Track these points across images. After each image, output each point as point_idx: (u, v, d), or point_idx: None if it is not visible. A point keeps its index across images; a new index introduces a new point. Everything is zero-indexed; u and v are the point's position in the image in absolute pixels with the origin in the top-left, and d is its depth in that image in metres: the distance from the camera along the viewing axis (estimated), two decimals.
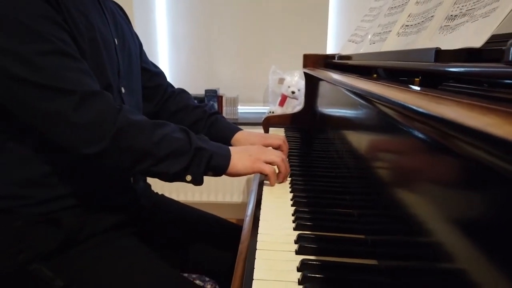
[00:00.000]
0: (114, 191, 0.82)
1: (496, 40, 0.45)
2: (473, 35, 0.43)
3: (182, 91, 1.09)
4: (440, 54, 0.45)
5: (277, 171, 0.83)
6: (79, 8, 0.72)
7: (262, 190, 0.80)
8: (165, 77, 1.09)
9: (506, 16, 0.37)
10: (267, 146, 0.97)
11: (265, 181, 0.83)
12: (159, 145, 0.70)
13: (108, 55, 0.79)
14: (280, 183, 0.83)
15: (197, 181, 0.74)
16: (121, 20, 0.91)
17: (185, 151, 0.72)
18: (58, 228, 0.73)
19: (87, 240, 0.76)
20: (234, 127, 1.02)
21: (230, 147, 0.79)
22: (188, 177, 0.73)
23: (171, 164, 0.71)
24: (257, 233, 0.61)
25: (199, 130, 1.00)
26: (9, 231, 0.73)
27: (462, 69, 0.36)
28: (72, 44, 0.69)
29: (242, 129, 1.02)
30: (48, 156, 0.74)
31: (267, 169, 0.79)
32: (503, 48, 0.32)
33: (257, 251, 0.55)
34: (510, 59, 0.30)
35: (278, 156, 0.82)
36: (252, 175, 0.91)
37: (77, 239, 0.75)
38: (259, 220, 0.66)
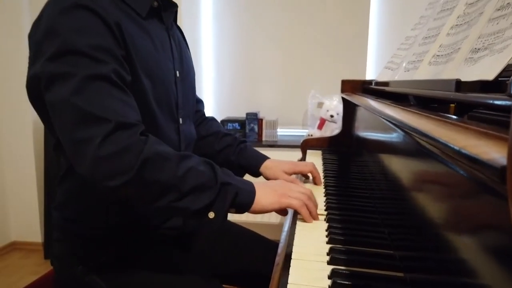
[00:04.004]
0: (165, 217, 0.88)
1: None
2: (489, 68, 0.48)
3: (212, 119, 1.14)
4: (461, 85, 0.50)
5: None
6: (143, 46, 0.77)
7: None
8: (203, 104, 1.16)
9: None
10: (297, 173, 1.01)
11: (299, 217, 0.78)
12: (184, 179, 0.67)
13: (167, 89, 0.84)
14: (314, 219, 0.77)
15: (220, 218, 0.69)
16: (186, 49, 0.97)
17: (211, 186, 0.69)
18: (112, 246, 0.82)
19: (138, 255, 0.83)
20: (262, 155, 1.05)
21: (254, 182, 0.76)
22: (211, 214, 0.69)
23: (194, 199, 0.67)
24: (293, 246, 0.66)
25: (228, 156, 1.04)
26: (69, 246, 0.83)
27: (473, 99, 0.41)
28: (125, 77, 0.71)
29: (269, 158, 1.04)
30: None
31: (295, 203, 0.74)
32: (507, 82, 0.37)
33: (292, 260, 0.61)
34: (511, 92, 0.35)
35: (304, 193, 0.77)
36: None
37: (128, 255, 0.82)
38: (294, 234, 0.71)
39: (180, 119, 0.89)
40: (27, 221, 2.32)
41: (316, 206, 0.78)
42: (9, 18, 2.15)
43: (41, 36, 0.68)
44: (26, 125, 2.23)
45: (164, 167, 0.66)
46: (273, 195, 0.74)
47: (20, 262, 2.21)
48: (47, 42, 0.67)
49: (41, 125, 2.23)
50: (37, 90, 0.70)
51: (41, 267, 2.14)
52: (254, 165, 1.02)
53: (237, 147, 1.05)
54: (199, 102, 1.13)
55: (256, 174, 1.03)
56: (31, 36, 0.73)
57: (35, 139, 2.25)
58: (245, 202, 0.72)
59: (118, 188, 0.64)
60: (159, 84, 0.80)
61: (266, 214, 2.54)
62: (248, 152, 1.04)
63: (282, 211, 0.78)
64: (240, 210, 0.73)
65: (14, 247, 2.35)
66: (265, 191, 0.74)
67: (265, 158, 1.04)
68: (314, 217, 0.77)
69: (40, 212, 2.30)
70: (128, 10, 0.77)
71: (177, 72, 0.88)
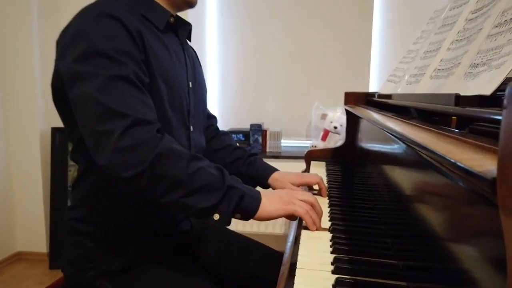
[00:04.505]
0: (173, 221, 0.92)
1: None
2: (487, 84, 0.49)
3: (225, 133, 1.19)
4: (460, 99, 0.52)
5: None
6: (160, 53, 0.84)
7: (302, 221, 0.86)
8: (216, 120, 1.21)
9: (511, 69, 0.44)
10: (304, 184, 1.03)
11: (303, 226, 0.79)
12: (193, 177, 0.71)
13: (180, 96, 0.89)
14: (317, 228, 0.78)
15: (225, 221, 0.73)
16: (199, 66, 1.04)
17: (218, 188, 0.72)
18: (123, 251, 0.84)
19: (147, 262, 0.85)
20: (271, 167, 1.08)
21: (260, 191, 0.79)
22: (216, 216, 0.72)
23: (201, 198, 0.71)
24: (298, 255, 0.68)
25: (238, 168, 1.07)
26: (82, 250, 0.85)
27: (471, 114, 0.42)
28: (143, 79, 0.77)
29: (278, 170, 1.07)
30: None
31: (300, 209, 0.76)
32: (503, 97, 0.38)
33: (297, 269, 0.62)
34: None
35: (308, 200, 0.78)
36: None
37: (139, 261, 0.84)
38: (299, 244, 0.73)
39: (191, 127, 0.94)
40: (32, 232, 2.34)
41: (321, 213, 0.80)
42: (19, 31, 2.19)
43: (68, 39, 0.75)
44: (33, 136, 2.26)
45: (175, 163, 0.71)
46: (278, 201, 0.77)
47: (26, 273, 2.22)
48: (74, 44, 0.74)
49: (48, 136, 2.27)
50: (61, 89, 0.77)
51: (46, 277, 2.15)
52: (263, 177, 1.05)
53: (247, 159, 1.09)
54: (212, 118, 1.19)
55: (265, 185, 1.06)
56: (59, 41, 0.80)
57: (42, 149, 2.28)
58: (250, 207, 0.75)
59: (132, 179, 0.69)
60: (173, 89, 0.86)
61: (270, 225, 2.53)
62: (258, 165, 1.08)
63: (291, 216, 0.79)
64: (246, 216, 0.75)
65: (19, 257, 2.36)
66: (270, 198, 0.77)
67: (274, 170, 1.07)
68: (318, 224, 0.78)
69: (46, 222, 2.32)
70: (147, 24, 0.85)
71: (190, 83, 0.94)
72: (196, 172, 0.71)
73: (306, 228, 0.79)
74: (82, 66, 0.72)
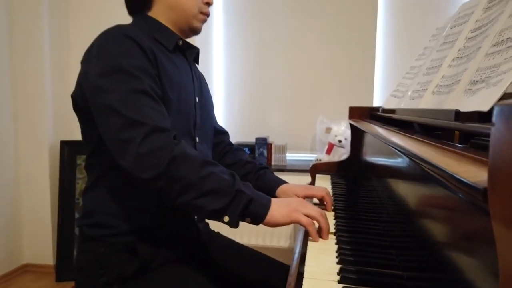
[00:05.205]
0: (182, 226, 0.96)
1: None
2: (485, 100, 0.52)
3: (239, 149, 1.25)
4: (460, 115, 0.55)
5: (316, 225, 0.81)
6: (170, 69, 0.92)
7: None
8: (229, 136, 1.26)
9: (507, 86, 0.47)
10: (310, 196, 1.06)
11: (309, 237, 0.81)
12: (204, 180, 0.77)
13: (188, 108, 0.96)
14: (323, 238, 0.80)
15: (233, 224, 0.78)
16: (206, 85, 1.12)
17: (227, 192, 0.77)
18: (135, 256, 0.87)
19: (158, 268, 0.88)
20: (280, 180, 1.13)
21: (271, 198, 0.83)
22: (226, 218, 0.77)
23: (212, 200, 0.76)
24: (304, 266, 0.69)
25: (249, 180, 1.08)
26: (94, 256, 0.88)
27: (470, 129, 0.45)
28: (158, 91, 0.86)
29: (287, 182, 1.11)
30: (133, 190, 0.89)
31: (304, 220, 0.79)
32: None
33: (304, 279, 0.64)
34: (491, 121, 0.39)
35: (317, 211, 0.81)
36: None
37: (150, 267, 0.87)
38: (306, 255, 0.75)
39: (197, 138, 0.99)
40: (39, 244, 2.36)
41: (328, 226, 0.81)
42: (31, 47, 2.26)
43: (92, 57, 0.85)
44: (42, 148, 2.30)
45: (188, 167, 0.77)
46: (286, 209, 0.81)
47: (32, 285, 2.23)
48: (97, 61, 0.83)
49: (57, 149, 2.31)
50: (83, 100, 0.86)
51: None
52: (271, 189, 1.09)
53: (257, 173, 1.13)
54: (224, 134, 1.24)
55: (274, 197, 1.08)
56: (83, 60, 0.88)
57: (50, 162, 2.32)
58: (259, 212, 0.79)
59: (150, 181, 0.76)
60: (181, 101, 0.93)
61: (276, 238, 2.53)
62: (267, 177, 1.12)
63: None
64: (256, 220, 0.80)
65: (26, 269, 2.38)
66: (279, 205, 0.81)
67: (283, 182, 1.11)
68: (325, 234, 0.80)
69: (53, 235, 2.34)
70: (158, 45, 0.93)
71: (197, 98, 1.01)
72: (208, 176, 0.77)
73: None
74: (105, 81, 0.81)
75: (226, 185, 0.78)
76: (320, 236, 0.80)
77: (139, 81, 0.81)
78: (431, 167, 0.41)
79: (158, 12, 0.98)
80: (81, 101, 0.88)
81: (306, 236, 0.85)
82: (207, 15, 1.02)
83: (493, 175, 0.24)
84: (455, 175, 0.31)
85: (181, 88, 0.94)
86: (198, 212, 0.82)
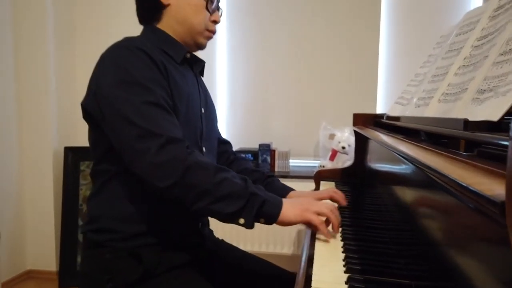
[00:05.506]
0: (186, 233, 0.96)
1: None
2: (494, 110, 0.52)
3: (243, 158, 1.27)
4: (468, 124, 0.55)
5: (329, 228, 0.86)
6: (179, 80, 0.94)
7: (315, 240, 0.88)
8: (231, 146, 1.28)
9: None
10: (319, 199, 1.06)
11: (317, 235, 0.85)
12: (219, 186, 0.80)
13: (195, 119, 0.98)
14: (334, 234, 0.85)
15: (248, 225, 0.81)
16: (210, 98, 1.14)
17: (241, 195, 0.80)
18: (139, 262, 0.87)
19: (163, 274, 0.88)
20: (288, 187, 1.14)
21: (283, 199, 0.86)
22: (241, 220, 0.80)
23: (227, 204, 0.79)
24: (311, 274, 0.69)
25: None
26: (99, 262, 0.89)
27: (479, 138, 0.45)
28: (169, 102, 0.88)
29: (294, 190, 1.13)
30: (140, 195, 0.90)
31: (315, 219, 0.83)
32: (509, 123, 0.41)
33: None
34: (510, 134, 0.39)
35: (327, 208, 0.86)
36: (304, 227, 0.95)
37: (154, 273, 0.88)
38: (313, 264, 0.74)
39: (204, 148, 1.00)
40: (43, 250, 2.36)
41: (339, 220, 0.87)
42: (36, 53, 2.27)
43: (105, 68, 0.86)
44: (46, 155, 2.31)
45: (202, 174, 0.80)
46: (298, 208, 0.84)
47: None
48: (110, 72, 0.85)
49: (61, 155, 2.32)
50: (94, 108, 0.87)
51: None
52: (280, 196, 1.07)
53: (265, 180, 1.15)
54: (227, 143, 1.26)
55: None
56: (95, 72, 0.89)
57: (54, 168, 2.32)
58: (272, 212, 0.82)
59: (166, 189, 0.79)
60: (189, 111, 0.95)
61: (279, 245, 2.52)
62: (275, 185, 1.14)
63: (311, 225, 0.85)
64: (269, 220, 0.83)
65: (29, 275, 2.37)
66: (291, 205, 0.84)
67: (291, 190, 1.12)
68: (335, 228, 0.85)
69: (56, 241, 2.34)
70: (167, 57, 0.95)
71: (202, 109, 1.03)
72: (221, 181, 0.80)
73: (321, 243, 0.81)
74: (119, 91, 0.82)
75: (239, 188, 0.81)
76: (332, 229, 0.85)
77: (152, 93, 0.83)
78: (443, 178, 0.41)
79: (166, 25, 1.00)
80: (92, 110, 0.88)
81: (313, 244, 0.85)
82: (213, 32, 1.05)
83: (511, 189, 0.24)
84: (471, 188, 0.31)
85: (189, 99, 0.96)
86: (214, 216, 0.83)
